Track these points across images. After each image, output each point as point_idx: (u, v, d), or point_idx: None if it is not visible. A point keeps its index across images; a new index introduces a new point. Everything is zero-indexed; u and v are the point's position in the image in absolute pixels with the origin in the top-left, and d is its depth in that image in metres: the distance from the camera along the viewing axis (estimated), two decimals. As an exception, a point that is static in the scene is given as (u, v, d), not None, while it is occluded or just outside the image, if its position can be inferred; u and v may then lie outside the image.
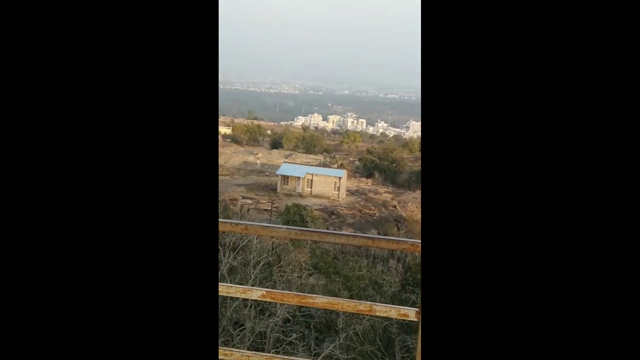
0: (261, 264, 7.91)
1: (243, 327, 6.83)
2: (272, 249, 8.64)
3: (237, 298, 6.70)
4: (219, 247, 7.74)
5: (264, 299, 3.48)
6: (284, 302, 3.33)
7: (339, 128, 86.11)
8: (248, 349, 6.16)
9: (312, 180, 33.34)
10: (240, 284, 6.60)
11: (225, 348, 2.41)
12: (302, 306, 7.00)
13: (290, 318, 7.15)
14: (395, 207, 32.80)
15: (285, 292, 2.69)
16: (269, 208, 27.71)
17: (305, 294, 2.50)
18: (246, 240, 8.31)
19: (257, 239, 8.40)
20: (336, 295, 7.66)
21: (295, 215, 19.02)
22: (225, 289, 2.48)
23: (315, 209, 25.77)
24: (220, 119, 69.04)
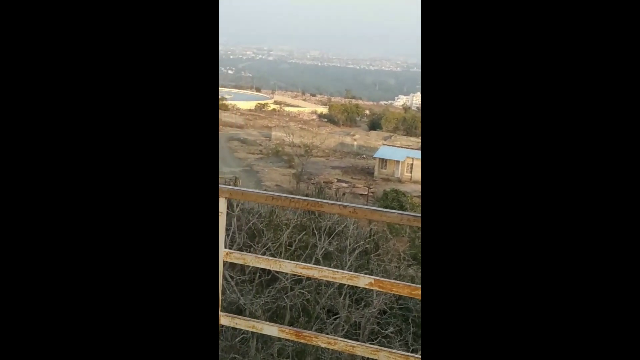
0: (357, 251, 7.60)
1: (337, 315, 6.58)
2: (370, 236, 8.33)
3: (332, 284, 6.50)
4: (315, 231, 7.51)
5: (371, 287, 3.39)
6: (392, 292, 3.04)
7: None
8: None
9: (412, 164, 32.76)
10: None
11: (329, 336, 2.67)
12: (399, 298, 6.70)
13: (387, 310, 6.81)
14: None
15: (395, 281, 2.47)
16: (365, 193, 27.50)
17: (416, 285, 2.42)
18: (342, 226, 8.04)
19: (353, 224, 8.15)
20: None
21: (393, 202, 18.73)
22: (331, 274, 2.52)
23: (414, 196, 25.13)
24: (317, 97, 69.98)
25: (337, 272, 2.39)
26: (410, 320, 6.73)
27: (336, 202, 2.35)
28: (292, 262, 2.46)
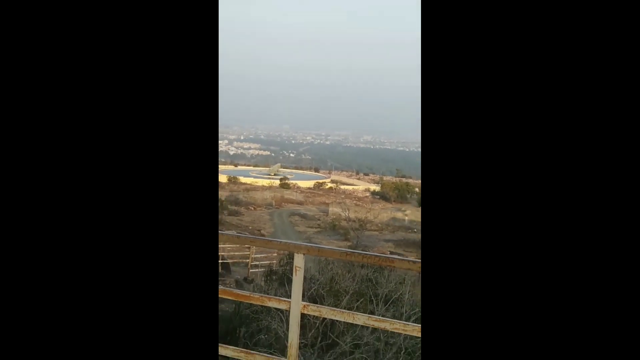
0: (412, 319, 7.38)
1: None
2: (330, 281, 8.12)
3: (390, 349, 6.33)
4: (372, 298, 7.37)
5: None
6: None
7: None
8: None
9: None
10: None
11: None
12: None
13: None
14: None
15: None
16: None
17: None
18: (398, 293, 7.89)
19: (408, 292, 7.96)
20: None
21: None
22: (402, 326, 2.47)
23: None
24: (370, 177, 70.24)
25: (408, 324, 2.31)
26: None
27: (405, 258, 2.32)
28: (364, 314, 2.41)
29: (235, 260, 17.48)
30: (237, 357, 2.73)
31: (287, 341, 2.48)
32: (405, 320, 7.38)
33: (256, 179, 55.88)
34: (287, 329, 2.29)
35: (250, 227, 29.54)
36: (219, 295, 2.65)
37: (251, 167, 74.63)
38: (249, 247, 16.62)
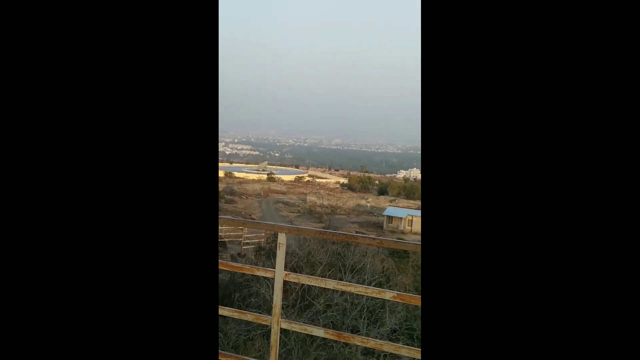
0: (373, 284, 7.46)
1: (359, 332, 6.38)
2: (382, 271, 8.19)
3: (355, 309, 6.39)
4: (341, 268, 7.43)
5: (395, 299, 3.51)
6: (411, 303, 2.96)
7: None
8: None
9: (412, 220, 32.66)
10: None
11: (362, 337, 2.14)
12: (406, 320, 6.50)
13: (397, 329, 6.59)
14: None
15: (413, 295, 2.38)
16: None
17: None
18: (361, 264, 7.96)
19: (370, 263, 8.04)
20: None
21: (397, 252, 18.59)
22: (363, 289, 2.44)
23: (416, 243, 24.33)
24: (339, 172, 70.28)
25: (369, 288, 2.32)
26: (414, 337, 6.46)
27: (367, 236, 2.32)
28: (334, 280, 2.42)
29: (230, 239, 17.38)
30: (231, 316, 2.72)
31: (273, 303, 2.48)
32: (367, 285, 7.48)
33: (248, 173, 55.63)
34: (273, 293, 2.29)
35: (242, 212, 29.35)
36: (222, 268, 2.63)
37: (243, 164, 74.05)
38: (241, 228, 16.57)
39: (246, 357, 2.73)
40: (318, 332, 2.43)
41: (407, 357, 2.74)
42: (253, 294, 7.15)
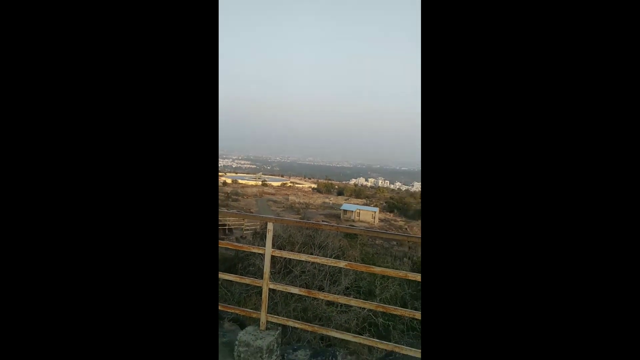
0: (332, 255, 7.48)
1: (324, 289, 6.39)
2: (340, 248, 8.23)
3: (320, 273, 6.44)
4: (312, 245, 7.43)
5: (346, 267, 3.52)
6: (358, 269, 2.89)
7: (374, 185, 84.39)
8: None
9: (359, 212, 33.65)
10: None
11: (328, 294, 2.08)
12: (355, 280, 6.57)
13: (349, 286, 6.64)
14: (406, 229, 32.01)
15: (359, 264, 2.39)
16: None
17: (367, 265, 2.31)
18: (325, 243, 7.97)
19: (331, 242, 8.07)
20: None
21: (350, 235, 18.79)
22: (325, 260, 2.23)
23: (361, 228, 24.74)
24: (311, 180, 70.26)
25: (330, 259, 2.34)
26: (361, 292, 6.46)
27: (329, 224, 2.35)
28: (306, 254, 2.44)
29: (235, 227, 17.06)
30: (235, 280, 2.70)
31: (263, 270, 2.48)
32: (329, 257, 7.50)
33: (248, 181, 54.99)
34: (263, 264, 2.29)
35: (244, 208, 28.89)
36: (229, 247, 2.60)
37: (245, 174, 73.32)
38: (242, 219, 16.30)
39: (245, 309, 2.71)
40: (294, 290, 2.45)
41: (356, 306, 2.78)
42: (251, 265, 7.10)
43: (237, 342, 2.36)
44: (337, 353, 2.53)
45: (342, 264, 2.36)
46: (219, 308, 2.71)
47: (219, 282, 6.02)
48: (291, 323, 2.47)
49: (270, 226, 2.45)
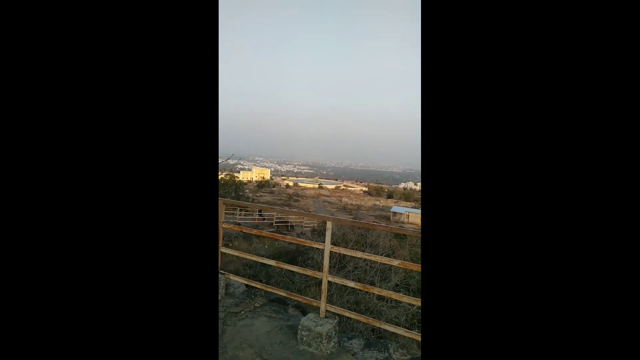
0: (384, 254, 7.29)
1: (375, 284, 6.26)
2: (390, 247, 7.99)
3: (372, 270, 6.32)
4: (364, 243, 7.35)
5: (399, 265, 3.28)
6: (410, 268, 2.74)
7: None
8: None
9: (408, 215, 32.33)
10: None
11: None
12: (405, 278, 6.31)
13: (399, 284, 6.40)
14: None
15: (412, 263, 2.24)
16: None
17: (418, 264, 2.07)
18: (377, 242, 7.81)
19: (382, 242, 7.90)
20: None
21: (399, 235, 18.12)
22: (380, 258, 2.17)
23: (413, 229, 23.80)
24: (362, 183, 69.34)
25: (383, 257, 2.25)
26: (410, 289, 6.21)
27: (379, 224, 2.30)
28: (359, 251, 2.42)
29: (295, 224, 17.58)
30: (298, 272, 2.77)
31: (322, 264, 2.52)
32: (380, 255, 7.32)
33: (306, 184, 56.48)
34: (322, 258, 2.32)
35: (303, 207, 29.66)
36: (292, 241, 2.66)
37: (304, 178, 75.50)
38: (302, 217, 16.70)
39: (306, 297, 2.76)
40: (351, 284, 2.44)
41: (405, 302, 2.67)
42: (309, 258, 7.25)
43: (300, 327, 2.42)
44: (389, 345, 2.46)
45: (395, 262, 2.30)
46: (284, 295, 2.81)
47: (282, 271, 6.25)
48: (347, 314, 2.46)
49: (329, 225, 2.48)
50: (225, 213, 2.97)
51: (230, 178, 16.33)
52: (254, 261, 5.87)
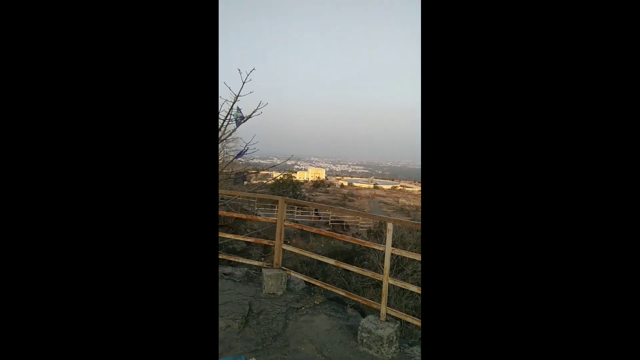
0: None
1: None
2: (400, 237, 7.52)
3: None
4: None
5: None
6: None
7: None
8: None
9: None
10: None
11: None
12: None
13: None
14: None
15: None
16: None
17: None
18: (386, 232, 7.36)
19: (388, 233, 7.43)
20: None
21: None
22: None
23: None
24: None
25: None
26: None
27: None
28: (418, 254, 2.28)
29: (350, 224, 17.56)
30: (356, 272, 2.75)
31: (383, 266, 2.44)
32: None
33: (362, 184, 55.88)
34: (379, 259, 2.25)
35: (357, 207, 29.42)
36: (350, 241, 2.64)
37: (359, 178, 74.80)
38: (357, 217, 16.60)
39: (366, 299, 2.72)
40: (413, 288, 2.33)
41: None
42: (366, 259, 7.13)
43: (360, 328, 2.39)
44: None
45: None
46: (343, 294, 2.80)
47: (339, 270, 6.25)
48: (409, 319, 2.35)
49: (389, 226, 2.40)
50: (285, 212, 3.09)
51: (287, 178, 16.98)
52: (312, 259, 5.95)
